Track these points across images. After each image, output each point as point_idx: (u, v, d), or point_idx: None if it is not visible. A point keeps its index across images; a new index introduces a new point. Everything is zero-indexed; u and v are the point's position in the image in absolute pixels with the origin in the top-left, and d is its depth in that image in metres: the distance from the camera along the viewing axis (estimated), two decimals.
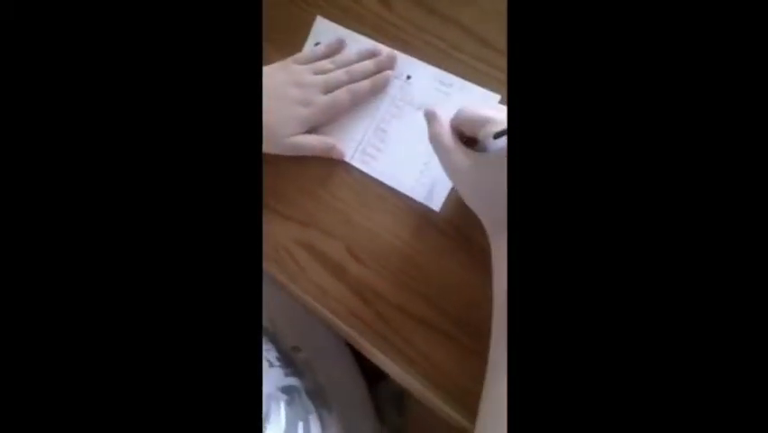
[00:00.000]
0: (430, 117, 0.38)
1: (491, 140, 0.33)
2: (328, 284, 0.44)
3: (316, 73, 0.45)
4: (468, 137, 0.37)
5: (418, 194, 0.42)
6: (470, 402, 0.35)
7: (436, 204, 0.42)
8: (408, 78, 0.45)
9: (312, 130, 0.45)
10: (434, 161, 0.42)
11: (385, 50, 0.45)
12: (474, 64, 0.43)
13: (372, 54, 0.45)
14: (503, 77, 0.42)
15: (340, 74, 0.44)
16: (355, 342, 0.42)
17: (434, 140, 0.37)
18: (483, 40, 0.43)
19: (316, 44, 0.48)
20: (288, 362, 0.48)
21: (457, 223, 0.41)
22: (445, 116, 0.38)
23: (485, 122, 0.34)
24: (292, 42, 0.49)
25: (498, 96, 0.42)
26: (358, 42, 0.46)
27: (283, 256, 0.45)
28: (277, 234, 0.45)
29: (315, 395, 0.46)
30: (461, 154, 0.36)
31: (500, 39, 0.42)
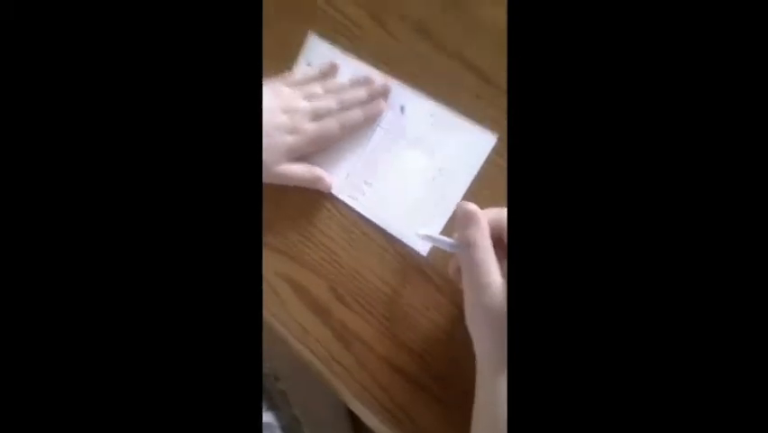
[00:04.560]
0: (469, 217, 0.29)
1: None
2: (309, 323, 0.42)
3: (306, 98, 0.42)
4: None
5: (406, 236, 0.40)
6: None
7: (424, 248, 0.39)
8: (402, 109, 0.41)
9: (298, 158, 0.42)
10: (425, 201, 0.40)
11: (380, 78, 0.42)
12: (472, 100, 0.40)
13: (366, 82, 0.42)
14: (501, 115, 0.39)
15: (330, 101, 0.41)
16: (335, 387, 0.41)
17: (469, 249, 0.28)
18: (484, 75, 0.40)
19: (308, 64, 0.44)
20: (266, 393, 0.47)
21: (445, 272, 0.39)
22: (486, 219, 0.29)
23: None
24: (282, 56, 0.46)
25: (495, 136, 0.39)
26: (352, 67, 0.43)
27: (263, 287, 0.43)
28: None
29: None
30: (498, 275, 0.27)
31: (502, 75, 0.39)
